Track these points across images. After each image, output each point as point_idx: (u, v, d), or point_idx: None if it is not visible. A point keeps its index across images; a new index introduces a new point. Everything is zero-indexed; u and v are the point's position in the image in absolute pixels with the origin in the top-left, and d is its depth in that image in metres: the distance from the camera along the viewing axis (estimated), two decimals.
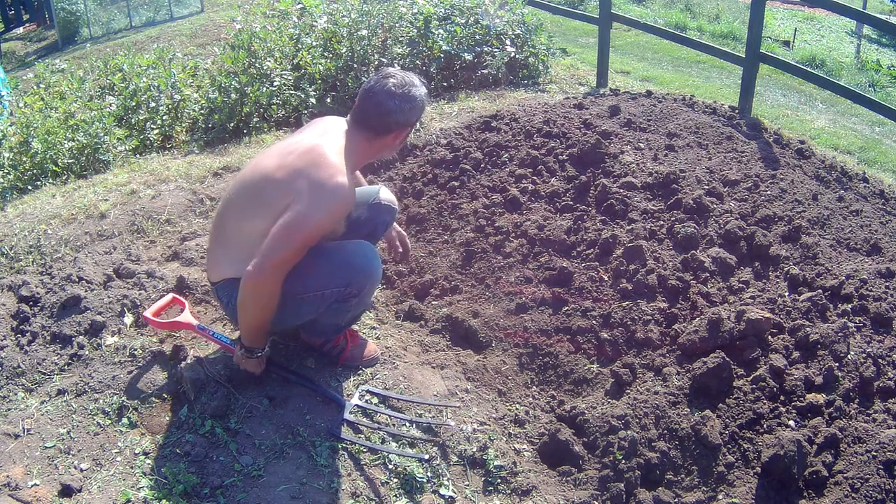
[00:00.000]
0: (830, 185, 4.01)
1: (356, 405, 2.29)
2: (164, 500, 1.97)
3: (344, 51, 5.53)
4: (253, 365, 2.31)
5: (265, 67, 5.18)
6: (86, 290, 2.84)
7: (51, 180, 4.52)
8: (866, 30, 12.24)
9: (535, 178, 3.78)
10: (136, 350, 2.54)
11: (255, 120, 5.02)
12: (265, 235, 2.08)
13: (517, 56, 6.08)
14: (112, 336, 2.64)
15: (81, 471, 2.09)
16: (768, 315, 2.71)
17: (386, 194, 2.65)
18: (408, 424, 2.29)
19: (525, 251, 3.27)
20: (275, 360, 2.44)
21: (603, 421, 2.42)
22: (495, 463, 2.20)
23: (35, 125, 4.87)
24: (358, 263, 2.28)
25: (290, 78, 5.24)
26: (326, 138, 2.23)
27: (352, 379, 2.46)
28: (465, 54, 5.82)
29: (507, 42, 6.05)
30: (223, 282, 2.26)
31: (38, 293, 2.85)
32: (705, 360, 2.56)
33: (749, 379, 2.55)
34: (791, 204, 3.61)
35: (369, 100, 2.18)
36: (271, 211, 2.11)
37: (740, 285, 3.03)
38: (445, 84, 5.83)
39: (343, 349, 2.53)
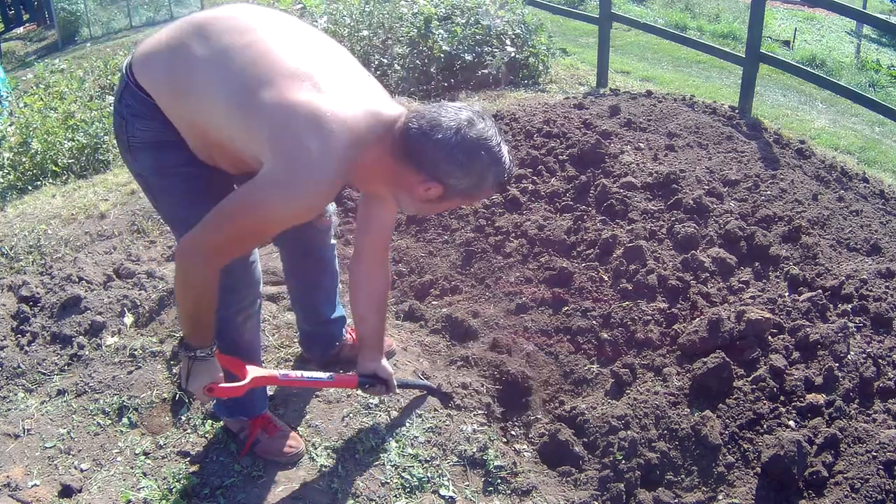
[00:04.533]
0: (830, 185, 4.01)
1: None
2: (164, 501, 1.97)
3: None
4: (200, 373, 1.70)
5: None
6: (86, 291, 2.84)
7: (51, 180, 4.52)
8: (866, 30, 12.24)
9: (535, 178, 3.77)
10: (136, 350, 2.54)
11: None
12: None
13: (517, 56, 6.08)
14: (112, 336, 2.64)
15: (81, 471, 2.09)
16: (768, 315, 2.71)
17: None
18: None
19: (525, 251, 3.27)
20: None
21: (603, 421, 2.42)
22: (495, 463, 2.20)
23: (35, 125, 4.88)
24: None
25: None
26: (370, 84, 1.65)
27: None
28: (466, 54, 5.82)
29: (508, 42, 6.05)
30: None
31: (38, 293, 2.85)
32: (705, 360, 2.56)
33: (749, 379, 2.55)
34: (791, 204, 3.61)
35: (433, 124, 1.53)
36: (247, 129, 1.52)
37: (740, 285, 3.03)
38: (445, 84, 5.83)
39: (248, 437, 2.10)
